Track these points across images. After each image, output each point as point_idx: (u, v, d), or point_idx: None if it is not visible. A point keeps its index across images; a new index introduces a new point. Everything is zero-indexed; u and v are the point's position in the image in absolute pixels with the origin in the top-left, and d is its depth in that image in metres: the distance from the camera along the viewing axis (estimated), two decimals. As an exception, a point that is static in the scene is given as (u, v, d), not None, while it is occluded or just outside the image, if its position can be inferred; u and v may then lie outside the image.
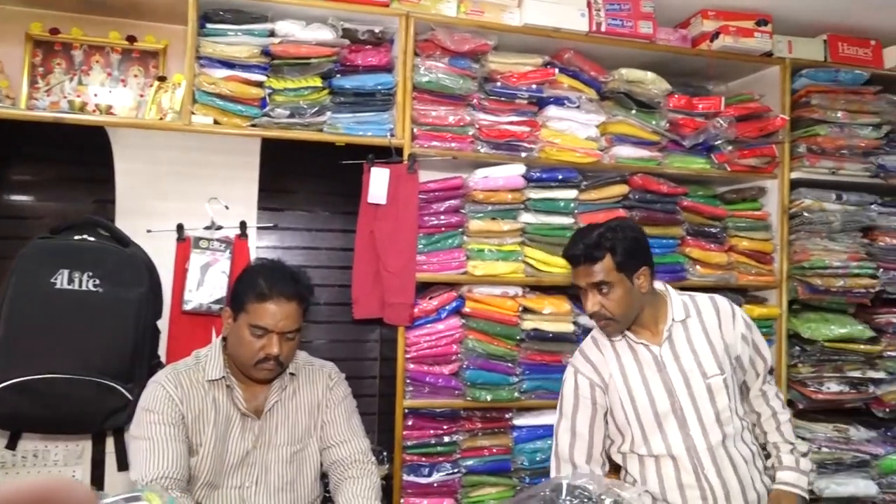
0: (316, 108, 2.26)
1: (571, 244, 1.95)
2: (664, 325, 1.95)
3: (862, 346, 2.71)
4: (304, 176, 2.66)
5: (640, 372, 1.94)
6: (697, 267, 2.63)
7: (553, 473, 2.00)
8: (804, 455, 1.99)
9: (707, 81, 2.81)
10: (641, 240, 1.95)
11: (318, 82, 2.28)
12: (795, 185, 2.75)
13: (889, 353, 2.74)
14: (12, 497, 0.49)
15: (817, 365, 2.68)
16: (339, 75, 2.33)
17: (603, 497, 1.19)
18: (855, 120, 2.73)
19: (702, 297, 2.02)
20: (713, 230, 2.67)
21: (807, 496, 1.95)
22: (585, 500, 1.17)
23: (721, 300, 2.01)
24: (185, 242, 2.38)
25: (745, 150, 2.69)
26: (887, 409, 2.75)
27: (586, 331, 2.48)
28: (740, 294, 2.70)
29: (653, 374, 1.93)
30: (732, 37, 2.63)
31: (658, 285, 2.03)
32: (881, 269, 2.74)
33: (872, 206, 2.78)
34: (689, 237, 2.64)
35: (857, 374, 2.70)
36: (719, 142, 2.65)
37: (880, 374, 2.72)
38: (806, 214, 2.71)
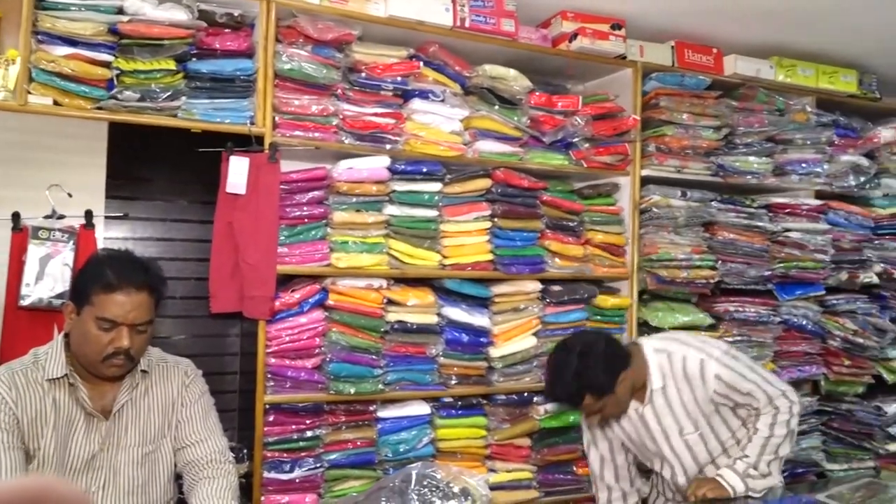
0: (169, 93, 2.18)
1: (552, 391, 2.12)
2: (647, 390, 2.13)
3: (703, 333, 2.94)
4: (158, 163, 2.55)
5: (626, 427, 2.22)
6: (556, 259, 2.75)
7: (593, 490, 2.38)
8: (759, 474, 2.08)
9: (566, 81, 2.94)
10: (609, 353, 2.06)
11: (171, 65, 2.19)
12: (645, 182, 2.94)
13: (726, 338, 2.99)
14: (3, 498, 0.46)
15: (664, 351, 2.89)
16: (194, 59, 2.25)
17: (451, 484, 1.24)
18: (698, 122, 2.96)
19: (676, 357, 2.12)
20: (571, 224, 2.81)
21: (735, 493, 2.05)
22: (433, 488, 1.22)
23: (692, 363, 2.10)
24: (21, 233, 2.22)
25: (600, 147, 2.84)
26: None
27: (451, 322, 2.56)
28: (595, 285, 2.86)
29: (639, 430, 2.20)
30: (589, 39, 2.78)
31: (638, 351, 2.15)
32: (720, 261, 2.99)
33: (713, 203, 3.03)
34: (548, 230, 2.76)
35: (698, 358, 2.93)
36: (577, 139, 2.79)
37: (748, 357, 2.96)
38: (654, 210, 2.90)
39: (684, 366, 2.11)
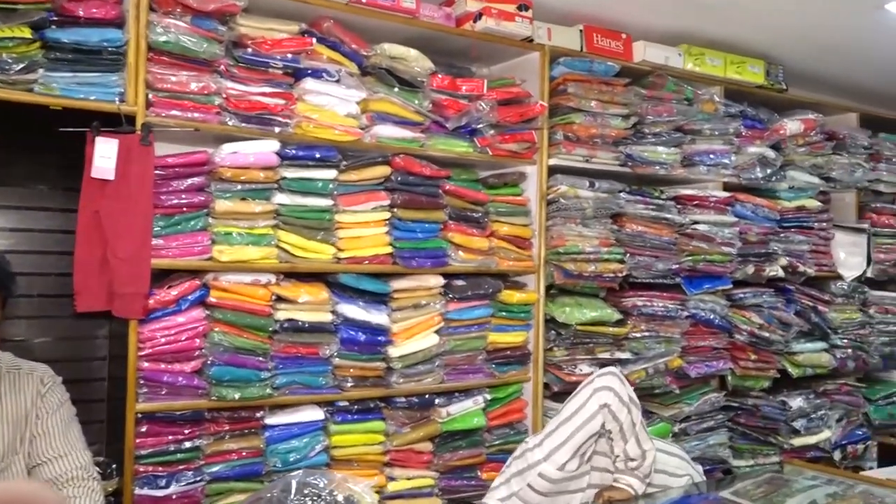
0: (24, 64, 2.06)
1: None
2: None
3: (611, 329, 3.04)
4: (10, 144, 2.41)
5: None
6: (459, 252, 2.77)
7: None
8: (636, 459, 2.14)
9: (471, 63, 2.97)
10: None
11: (26, 33, 2.07)
12: (553, 171, 3.00)
13: (634, 334, 3.10)
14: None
15: (571, 348, 2.97)
16: (54, 27, 2.13)
17: (334, 492, 1.22)
18: (606, 110, 3.04)
19: None
20: (475, 215, 2.84)
21: (637, 491, 2.12)
22: (315, 497, 1.20)
23: None
24: None
25: (506, 134, 2.88)
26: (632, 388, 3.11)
27: (346, 320, 2.54)
28: (500, 279, 2.89)
29: None
30: (494, 19, 2.80)
31: None
32: (628, 255, 3.08)
33: (621, 194, 3.12)
34: (451, 222, 2.77)
35: (606, 355, 3.02)
36: (482, 125, 2.81)
37: (626, 355, 3.07)
38: (562, 201, 2.96)
39: None
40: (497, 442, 2.87)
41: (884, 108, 4.43)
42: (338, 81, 2.54)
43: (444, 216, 2.76)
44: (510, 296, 2.87)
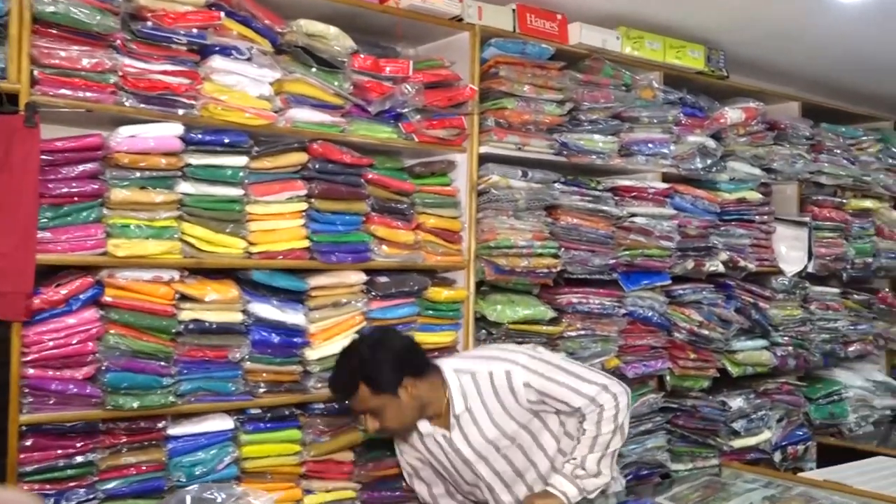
0: None
1: (330, 379, 2.32)
2: (450, 414, 2.25)
3: (544, 328, 3.05)
4: None
5: (437, 455, 2.33)
6: (383, 246, 2.74)
7: None
8: (588, 473, 2.19)
9: (395, 43, 2.93)
10: (404, 353, 2.25)
11: None
12: (483, 160, 2.99)
13: (569, 333, 3.12)
14: None
15: (502, 348, 2.96)
16: (-79, -8, 2.02)
17: (233, 506, 1.18)
18: (540, 95, 3.05)
19: (482, 375, 2.25)
20: (400, 206, 2.81)
21: (568, 498, 2.16)
22: (211, 512, 1.16)
23: (498, 376, 2.24)
24: None
25: (433, 120, 2.85)
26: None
27: (259, 320, 2.50)
28: (427, 275, 2.87)
29: (451, 457, 2.30)
30: (420, -5, 2.78)
31: (437, 371, 2.28)
32: (563, 249, 3.10)
33: (556, 185, 3.13)
34: (374, 213, 2.74)
35: (539, 355, 3.03)
36: (407, 110, 2.78)
37: (561, 355, 3.07)
38: (493, 191, 2.96)
39: (492, 381, 2.24)
40: (424, 449, 2.85)
41: (825, 96, 4.57)
42: (249, 60, 2.48)
43: (367, 207, 2.72)
44: (438, 293, 2.85)
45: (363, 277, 2.70)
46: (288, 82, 2.56)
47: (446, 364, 2.32)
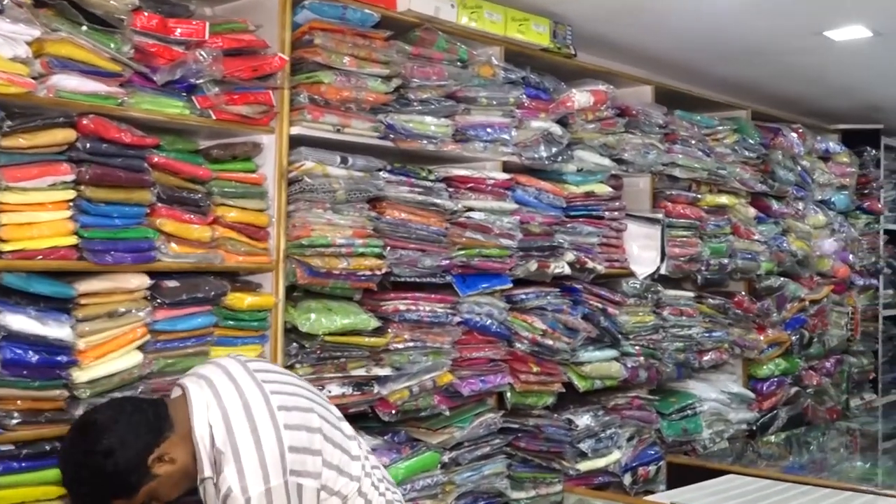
0: None
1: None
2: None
3: (367, 339, 3.09)
4: None
5: None
6: (172, 244, 2.69)
7: None
8: None
9: (188, 0, 2.87)
10: (136, 446, 2.17)
11: None
12: (296, 142, 3.00)
13: (395, 345, 3.16)
14: None
15: (317, 364, 2.97)
16: None
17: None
18: (363, 69, 3.08)
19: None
20: (193, 196, 2.76)
21: None
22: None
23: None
24: None
25: (234, 94, 2.83)
26: (394, 412, 3.18)
27: (11, 334, 2.39)
28: (227, 279, 2.84)
29: None
30: (219, -56, 2.74)
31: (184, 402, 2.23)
32: (389, 248, 3.15)
33: (381, 173, 3.18)
34: (160, 205, 2.68)
35: (361, 371, 3.07)
36: (202, 80, 2.74)
37: (386, 371, 3.13)
38: (307, 180, 2.97)
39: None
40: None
41: (679, 80, 4.88)
42: (1, 13, 2.36)
43: (151, 197, 2.66)
44: (239, 300, 2.83)
45: (146, 282, 2.63)
46: (51, 42, 2.46)
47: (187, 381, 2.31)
